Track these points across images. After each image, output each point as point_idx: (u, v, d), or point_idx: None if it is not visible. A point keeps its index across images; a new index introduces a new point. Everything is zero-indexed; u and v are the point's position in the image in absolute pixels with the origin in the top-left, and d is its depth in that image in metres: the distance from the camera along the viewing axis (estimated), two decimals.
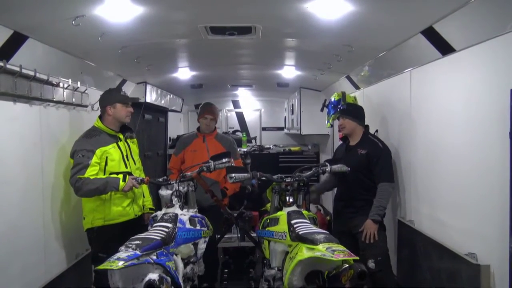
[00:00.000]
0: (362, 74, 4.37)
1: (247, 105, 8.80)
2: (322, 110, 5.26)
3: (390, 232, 3.70)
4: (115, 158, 3.26)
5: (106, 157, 3.20)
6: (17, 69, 2.68)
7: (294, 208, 2.96)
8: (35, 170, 3.04)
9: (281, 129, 8.55)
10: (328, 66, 4.39)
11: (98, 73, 3.98)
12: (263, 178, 3.18)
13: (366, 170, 3.51)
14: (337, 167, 3.29)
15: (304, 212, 2.96)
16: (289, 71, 5.22)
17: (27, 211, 2.92)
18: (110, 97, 3.33)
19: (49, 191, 3.20)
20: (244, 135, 7.58)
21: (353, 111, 3.71)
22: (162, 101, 6.09)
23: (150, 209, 3.57)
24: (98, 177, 3.10)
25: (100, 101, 3.39)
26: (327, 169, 3.27)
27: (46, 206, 3.16)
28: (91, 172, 3.08)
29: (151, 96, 5.40)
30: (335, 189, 4.03)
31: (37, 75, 2.88)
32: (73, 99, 3.49)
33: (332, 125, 5.23)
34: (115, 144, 3.31)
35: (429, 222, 3.17)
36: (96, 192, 3.07)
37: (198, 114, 4.35)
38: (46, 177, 3.16)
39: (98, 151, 3.16)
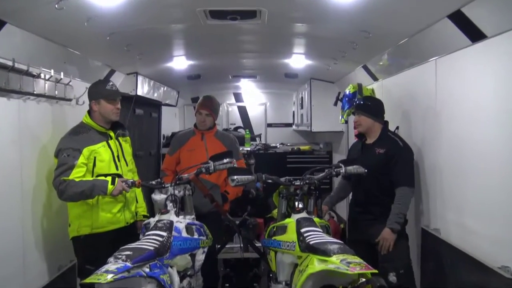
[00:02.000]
0: (381, 63, 4.36)
1: (251, 99, 8.80)
2: (335, 104, 5.32)
3: (413, 242, 3.69)
4: (105, 158, 3.26)
5: (95, 157, 3.21)
6: None
7: (304, 214, 2.97)
8: (13, 170, 3.05)
9: (289, 125, 8.55)
10: (343, 54, 4.38)
11: (83, 63, 3.98)
12: (269, 180, 3.19)
13: (384, 171, 3.52)
14: (352, 168, 3.29)
15: (316, 219, 2.97)
16: (298, 60, 5.22)
17: (3, 217, 2.92)
18: (95, 92, 3.34)
19: (29, 194, 3.22)
20: (248, 133, 7.58)
21: (371, 106, 3.72)
22: (155, 94, 6.09)
23: (144, 216, 3.58)
24: (84, 179, 3.11)
25: (87, 95, 3.41)
26: (341, 171, 3.27)
27: (25, 211, 3.17)
28: (77, 173, 3.09)
29: (142, 89, 5.41)
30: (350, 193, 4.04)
31: (16, 65, 2.88)
32: (56, 92, 3.49)
33: (346, 121, 5.25)
34: (105, 143, 3.31)
35: (457, 230, 3.16)
36: (82, 196, 3.07)
37: (195, 109, 4.36)
38: (25, 178, 3.16)
39: (86, 150, 3.17)
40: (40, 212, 3.36)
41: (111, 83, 3.40)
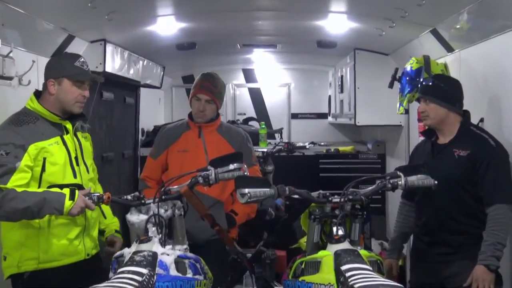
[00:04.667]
0: (458, 26, 4.33)
1: (268, 78, 8.85)
2: (391, 86, 5.28)
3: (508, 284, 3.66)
4: (58, 161, 3.27)
5: (44, 159, 3.21)
6: None
7: (345, 245, 2.95)
8: None
9: (323, 116, 8.60)
10: (402, 13, 4.37)
11: (29, 26, 3.99)
12: (295, 196, 3.18)
13: (468, 183, 3.50)
14: (417, 179, 3.25)
15: (362, 252, 2.96)
16: (337, 22, 5.21)
17: None
18: (57, 67, 3.36)
19: None
20: (263, 127, 7.57)
21: (444, 89, 3.70)
22: (131, 71, 6.14)
23: (116, 231, 3.62)
24: (29, 189, 3.10)
25: (45, 70, 3.41)
26: (400, 183, 3.24)
27: None
28: (19, 181, 3.08)
29: (113, 63, 5.44)
30: None
31: None
32: None
33: (407, 111, 5.20)
34: (58, 139, 3.31)
35: None
36: (25, 215, 3.06)
37: (190, 92, 4.35)
38: None
39: (32, 148, 3.16)
40: None
41: (82, 60, 3.42)
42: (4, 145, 3.10)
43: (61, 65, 3.36)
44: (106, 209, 3.61)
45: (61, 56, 3.44)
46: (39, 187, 3.18)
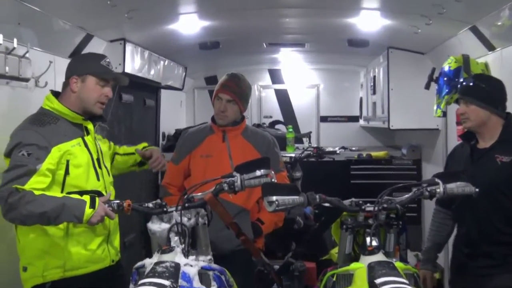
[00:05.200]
0: (500, 23, 4.29)
1: (296, 79, 8.84)
2: (427, 87, 5.27)
3: None
4: (81, 162, 3.31)
5: (68, 161, 3.25)
6: None
7: (379, 257, 2.95)
8: None
9: (355, 119, 8.56)
10: (439, 10, 4.35)
11: (46, 25, 4.03)
12: (326, 204, 3.17)
13: (511, 191, 3.49)
14: (456, 186, 3.23)
15: (398, 264, 2.94)
16: (369, 20, 5.20)
17: None
18: (82, 63, 3.41)
19: None
20: (291, 130, 7.57)
21: (485, 90, 3.69)
22: (152, 72, 6.17)
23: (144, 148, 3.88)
24: (48, 193, 3.11)
25: (68, 66, 3.46)
26: (438, 190, 3.22)
27: None
28: (37, 184, 3.09)
29: (132, 63, 5.48)
30: None
31: None
32: (6, 69, 3.55)
33: (445, 113, 5.17)
34: (80, 140, 3.36)
35: None
36: (41, 220, 3.07)
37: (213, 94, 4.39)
38: None
39: (55, 150, 3.19)
40: None
41: (108, 60, 3.48)
42: (28, 145, 3.12)
43: (86, 62, 3.41)
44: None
45: (86, 54, 3.49)
46: (62, 191, 3.21)
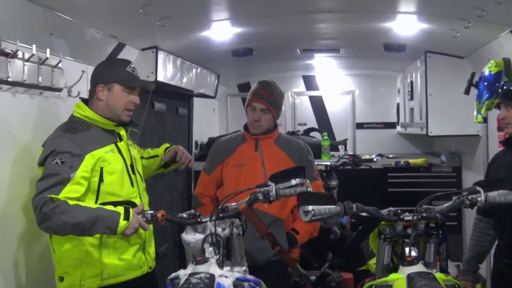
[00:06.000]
0: None
1: (330, 85, 8.84)
2: (467, 92, 5.20)
3: None
4: (116, 169, 3.34)
5: (101, 168, 3.28)
6: None
7: (419, 267, 2.92)
8: None
9: (391, 126, 8.51)
10: (479, 13, 4.29)
11: (78, 34, 4.07)
12: (363, 214, 3.15)
13: None
14: (498, 195, 3.18)
15: (438, 275, 2.92)
16: (406, 24, 5.17)
17: None
18: (107, 72, 3.43)
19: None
20: (326, 138, 7.53)
21: None
22: (184, 79, 6.21)
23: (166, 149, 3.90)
24: (82, 203, 3.12)
25: (92, 74, 3.49)
26: (479, 199, 3.18)
27: None
28: (72, 193, 3.11)
29: (165, 71, 5.51)
30: None
31: None
32: (40, 79, 3.59)
33: (486, 119, 5.08)
34: (113, 146, 3.40)
35: None
36: (75, 230, 3.09)
37: (246, 102, 4.38)
38: None
39: (89, 158, 3.22)
40: (13, 253, 3.40)
41: (132, 65, 3.50)
42: (61, 153, 3.15)
43: (111, 70, 3.43)
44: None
45: (111, 61, 3.51)
46: (97, 198, 3.25)
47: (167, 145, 3.94)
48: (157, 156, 3.89)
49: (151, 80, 5.17)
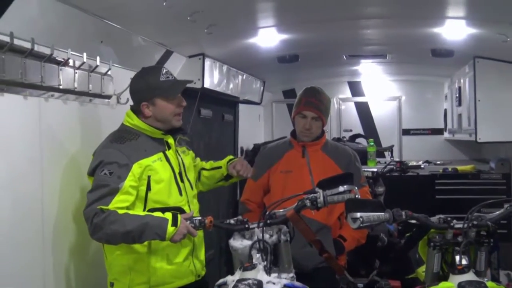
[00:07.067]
0: None
1: (376, 91, 8.78)
2: None
3: None
4: (163, 177, 3.36)
5: (149, 177, 3.30)
6: (6, 38, 2.83)
7: (470, 276, 2.91)
8: (31, 198, 3.20)
9: (438, 132, 8.43)
10: None
11: (127, 42, 4.14)
12: (412, 221, 3.13)
13: None
14: None
15: (489, 284, 2.90)
16: (454, 29, 5.11)
17: (21, 267, 3.06)
18: (145, 88, 3.39)
19: (50, 231, 3.35)
20: (372, 144, 7.49)
21: None
22: (230, 86, 6.24)
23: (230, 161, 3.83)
24: (131, 212, 3.17)
25: (131, 92, 3.50)
26: None
27: (46, 259, 3.31)
28: (121, 203, 3.15)
29: (211, 78, 5.53)
30: None
31: (36, 47, 3.03)
32: (90, 86, 3.66)
33: None
34: (161, 155, 3.41)
35: None
36: (126, 239, 3.14)
37: (293, 109, 4.38)
38: (47, 209, 3.31)
39: (136, 167, 3.25)
40: (65, 260, 3.48)
41: (164, 70, 3.46)
42: (109, 164, 3.19)
43: (147, 85, 3.37)
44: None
45: (144, 76, 3.41)
46: (145, 206, 3.28)
47: (231, 156, 3.92)
48: (219, 167, 3.85)
49: (198, 87, 5.22)
